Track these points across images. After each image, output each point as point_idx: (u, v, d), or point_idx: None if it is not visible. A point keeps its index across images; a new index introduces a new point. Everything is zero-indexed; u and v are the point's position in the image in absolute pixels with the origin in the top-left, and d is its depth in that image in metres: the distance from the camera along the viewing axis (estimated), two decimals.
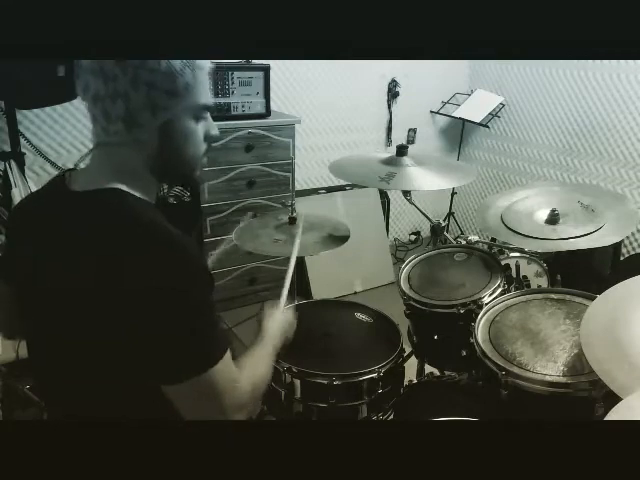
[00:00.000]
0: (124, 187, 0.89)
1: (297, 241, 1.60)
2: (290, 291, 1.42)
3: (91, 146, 0.87)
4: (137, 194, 0.90)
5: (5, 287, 1.01)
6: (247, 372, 0.95)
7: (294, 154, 3.03)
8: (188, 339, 0.84)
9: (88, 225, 0.86)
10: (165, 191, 2.37)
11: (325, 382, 1.48)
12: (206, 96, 0.92)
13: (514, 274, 1.78)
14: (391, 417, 1.62)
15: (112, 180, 0.89)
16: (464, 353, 1.60)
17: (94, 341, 0.85)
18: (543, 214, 1.71)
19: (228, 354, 0.89)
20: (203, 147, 0.96)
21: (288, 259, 1.54)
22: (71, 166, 2.74)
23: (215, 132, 0.98)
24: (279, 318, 1.22)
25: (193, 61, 0.87)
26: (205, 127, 0.95)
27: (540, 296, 1.56)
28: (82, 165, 0.94)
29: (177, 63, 0.85)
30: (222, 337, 0.89)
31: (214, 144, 0.99)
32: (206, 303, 0.86)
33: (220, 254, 1.67)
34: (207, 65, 0.91)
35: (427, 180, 1.82)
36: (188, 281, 0.83)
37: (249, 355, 1.04)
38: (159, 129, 0.88)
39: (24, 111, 2.53)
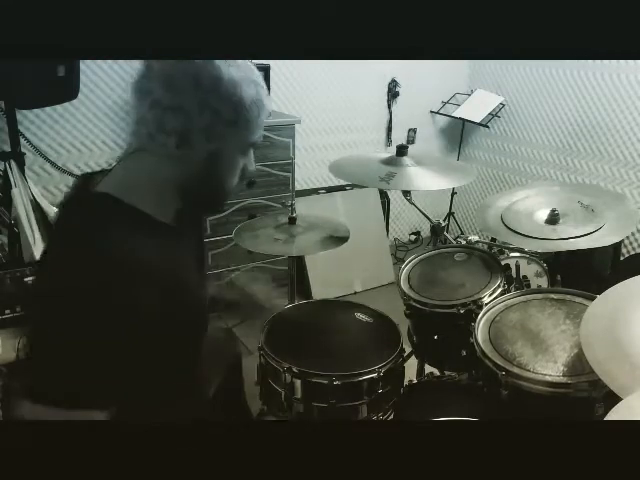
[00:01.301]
0: (121, 196, 0.87)
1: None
2: (288, 291, 1.42)
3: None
4: (139, 205, 0.88)
5: None
6: None
7: (294, 154, 3.03)
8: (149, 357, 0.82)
9: (71, 228, 0.87)
10: None
11: (325, 382, 1.48)
12: (259, 134, 0.92)
13: (514, 274, 1.78)
14: (391, 417, 1.62)
15: (117, 186, 0.89)
16: (464, 353, 1.61)
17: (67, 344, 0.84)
18: (543, 214, 1.71)
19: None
20: (237, 181, 0.95)
21: (287, 260, 1.54)
22: (71, 166, 2.75)
23: (252, 168, 0.97)
24: None
25: (261, 99, 0.87)
26: (245, 162, 0.95)
27: (540, 296, 1.56)
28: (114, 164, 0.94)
29: (248, 98, 0.85)
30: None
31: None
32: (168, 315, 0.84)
33: None
34: (270, 106, 0.92)
35: (427, 180, 1.82)
36: (146, 296, 0.81)
37: None
38: (207, 154, 0.88)
39: (24, 111, 2.53)
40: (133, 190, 0.89)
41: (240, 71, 0.88)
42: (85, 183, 0.94)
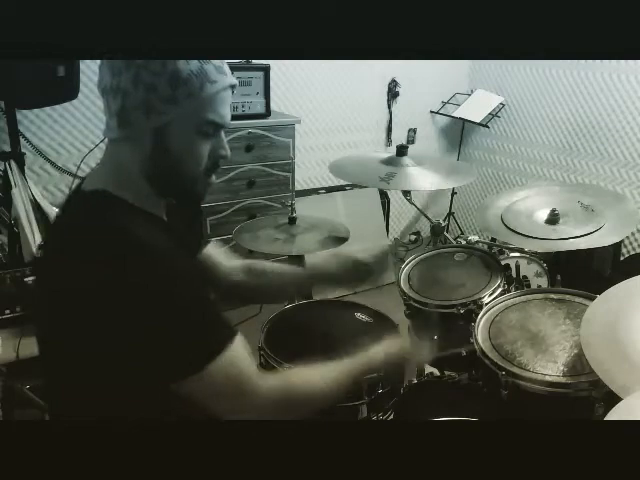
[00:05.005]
0: (114, 190, 0.88)
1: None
2: None
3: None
4: (128, 199, 0.89)
5: None
6: (305, 376, 0.97)
7: (294, 154, 3.03)
8: (178, 337, 0.83)
9: (71, 226, 0.88)
10: None
11: None
12: (217, 113, 0.88)
13: (514, 274, 1.78)
14: (391, 417, 1.62)
15: (107, 181, 0.89)
16: (464, 353, 1.60)
17: (81, 343, 0.85)
18: (543, 214, 1.71)
19: (236, 344, 0.88)
20: (204, 164, 0.91)
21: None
22: (71, 166, 2.75)
23: (224, 153, 0.93)
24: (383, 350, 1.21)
25: (205, 72, 0.84)
26: (213, 145, 0.91)
27: (540, 296, 1.56)
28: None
29: (184, 70, 0.83)
30: (222, 328, 0.88)
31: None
32: (187, 300, 0.85)
33: None
34: (225, 81, 0.88)
35: (427, 180, 1.82)
36: (161, 283, 0.82)
37: (326, 367, 1.03)
38: (153, 132, 0.86)
39: (24, 111, 2.53)
40: (117, 183, 0.90)
41: None
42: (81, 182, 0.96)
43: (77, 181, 0.99)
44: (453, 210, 4.12)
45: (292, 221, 1.93)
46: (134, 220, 0.87)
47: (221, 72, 0.88)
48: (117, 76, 0.84)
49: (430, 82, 3.85)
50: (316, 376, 1.01)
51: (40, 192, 2.39)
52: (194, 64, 0.84)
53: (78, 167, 2.45)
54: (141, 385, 0.87)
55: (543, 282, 2.03)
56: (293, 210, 1.96)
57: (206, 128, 0.89)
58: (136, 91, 0.83)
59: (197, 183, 0.93)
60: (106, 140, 0.94)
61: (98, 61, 0.89)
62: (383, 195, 3.71)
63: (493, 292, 1.61)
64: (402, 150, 1.90)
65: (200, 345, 0.85)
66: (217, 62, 0.87)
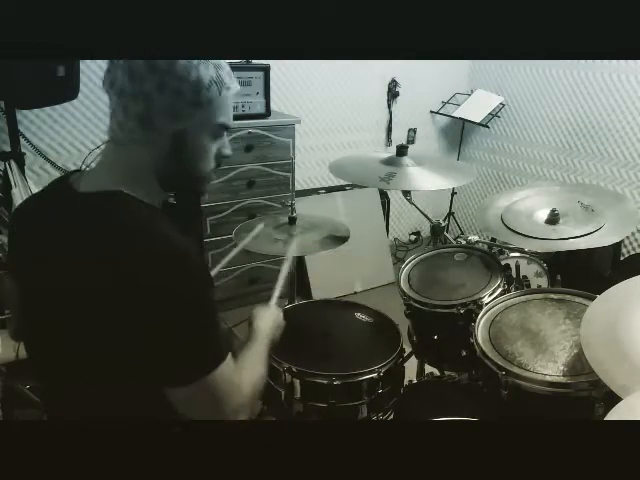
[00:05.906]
0: (127, 190, 0.89)
1: (292, 244, 1.62)
2: (288, 291, 1.42)
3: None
4: (140, 197, 0.90)
5: (12, 286, 1.01)
6: (246, 373, 0.96)
7: (294, 154, 3.03)
8: (191, 342, 0.84)
9: (90, 227, 0.87)
10: None
11: (325, 382, 1.48)
12: (227, 116, 0.94)
13: (514, 274, 1.78)
14: (391, 417, 1.62)
15: (117, 182, 0.90)
16: (464, 353, 1.60)
17: (95, 343, 0.86)
18: (543, 214, 1.71)
19: (230, 356, 0.89)
20: (212, 164, 0.97)
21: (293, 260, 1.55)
22: (71, 166, 2.75)
23: (228, 152, 0.99)
24: (269, 318, 1.22)
25: (222, 79, 0.89)
26: (219, 145, 0.97)
27: (540, 296, 1.56)
28: (91, 164, 0.97)
29: (206, 77, 0.87)
30: (224, 339, 0.89)
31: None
32: (208, 306, 0.87)
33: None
34: (235, 87, 0.93)
35: (427, 180, 1.82)
36: (188, 284, 0.83)
37: (245, 356, 1.04)
38: (173, 136, 0.89)
39: (24, 111, 2.53)
40: (129, 182, 0.90)
41: None
42: (69, 184, 0.94)
43: (65, 181, 0.96)
44: (453, 210, 4.12)
45: (292, 221, 1.93)
46: (157, 218, 0.90)
47: (232, 78, 0.93)
48: (139, 80, 0.85)
49: (430, 82, 3.85)
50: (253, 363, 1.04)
51: None
52: (212, 71, 0.88)
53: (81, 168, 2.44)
54: (141, 386, 0.87)
55: (543, 282, 2.03)
56: (293, 210, 1.96)
57: (217, 130, 0.94)
58: (162, 96, 0.85)
59: (204, 181, 0.99)
60: (109, 141, 0.94)
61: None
62: (383, 195, 3.71)
63: (493, 292, 1.61)
64: (402, 150, 1.90)
65: (210, 347, 0.87)
66: (227, 68, 0.92)
